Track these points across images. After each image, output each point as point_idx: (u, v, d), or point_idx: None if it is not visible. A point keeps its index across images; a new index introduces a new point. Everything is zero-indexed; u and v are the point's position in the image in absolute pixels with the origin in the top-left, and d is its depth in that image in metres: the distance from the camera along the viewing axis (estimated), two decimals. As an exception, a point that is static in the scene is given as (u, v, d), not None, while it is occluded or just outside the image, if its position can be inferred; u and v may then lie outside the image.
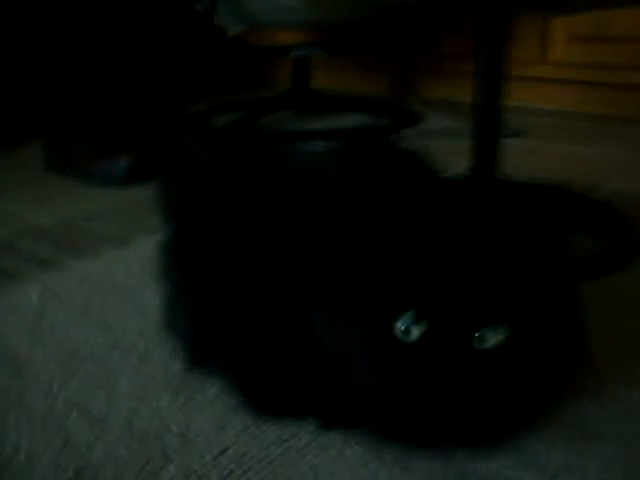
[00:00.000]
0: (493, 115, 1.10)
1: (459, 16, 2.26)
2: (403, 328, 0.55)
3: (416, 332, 0.55)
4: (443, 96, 2.53)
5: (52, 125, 1.66)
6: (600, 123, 2.19)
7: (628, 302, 0.91)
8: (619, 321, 0.85)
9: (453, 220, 0.59)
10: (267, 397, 0.67)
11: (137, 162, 1.53)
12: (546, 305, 0.57)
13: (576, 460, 0.61)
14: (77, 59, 1.59)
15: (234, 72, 2.76)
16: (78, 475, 0.59)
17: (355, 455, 0.62)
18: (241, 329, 0.68)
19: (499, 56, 1.07)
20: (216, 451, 0.62)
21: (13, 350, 0.79)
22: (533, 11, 1.10)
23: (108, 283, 0.97)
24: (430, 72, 2.65)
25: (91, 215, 1.29)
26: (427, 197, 0.64)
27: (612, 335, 0.81)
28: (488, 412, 0.59)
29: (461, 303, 0.54)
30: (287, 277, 0.67)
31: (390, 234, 0.58)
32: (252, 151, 0.82)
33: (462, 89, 2.42)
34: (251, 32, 2.33)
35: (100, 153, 1.55)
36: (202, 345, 0.73)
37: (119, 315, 0.88)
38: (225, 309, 0.69)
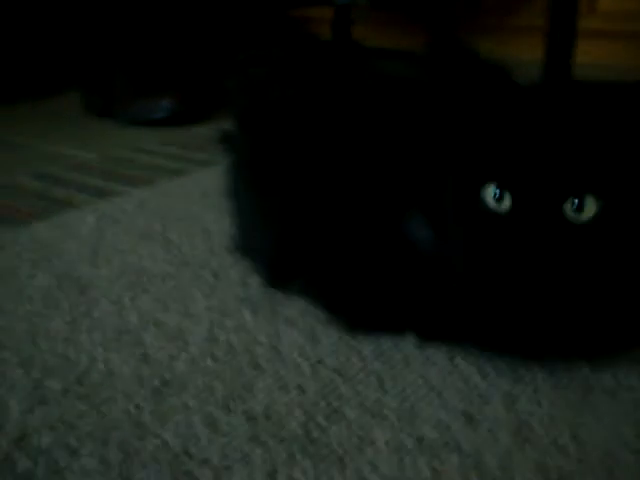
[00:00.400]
0: (565, 69, 1.03)
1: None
2: (493, 196, 0.50)
3: (507, 200, 0.49)
4: (485, 51, 2.45)
5: (91, 67, 1.60)
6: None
7: None
8: None
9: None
10: (361, 311, 0.61)
11: (179, 103, 1.47)
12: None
13: None
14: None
15: (275, 26, 2.70)
16: (165, 384, 0.54)
17: (467, 365, 0.56)
18: (330, 243, 0.62)
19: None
20: (313, 361, 0.57)
21: (77, 270, 0.74)
22: None
23: (168, 208, 0.92)
24: (470, 27, 2.57)
25: (140, 151, 1.24)
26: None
27: None
28: (592, 303, 0.52)
29: (546, 172, 0.48)
30: (378, 184, 0.61)
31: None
32: (336, 57, 0.76)
33: (504, 43, 2.36)
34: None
35: (141, 93, 1.49)
36: (285, 263, 0.67)
37: (184, 236, 0.82)
38: (312, 223, 0.63)
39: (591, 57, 2.32)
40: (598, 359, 0.57)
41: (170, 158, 1.18)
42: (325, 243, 0.62)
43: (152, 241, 0.81)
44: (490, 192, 0.50)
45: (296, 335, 0.61)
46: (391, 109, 0.64)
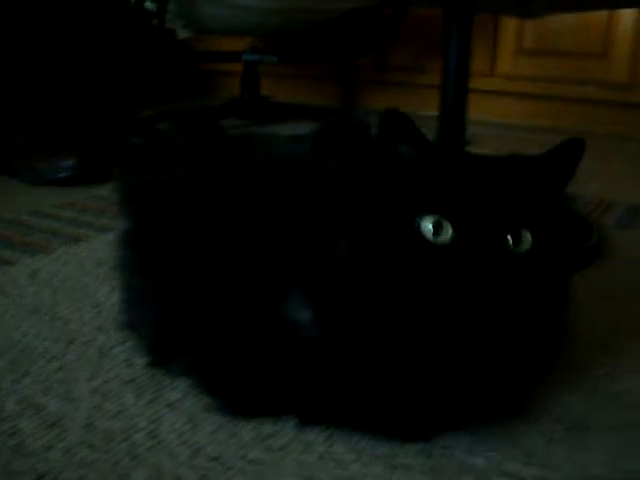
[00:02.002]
0: (459, 127, 1.08)
1: (402, 27, 2.26)
2: (432, 226, 0.52)
3: (449, 231, 0.52)
4: (387, 106, 2.52)
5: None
6: (548, 135, 2.21)
7: (598, 299, 0.90)
8: (590, 316, 0.84)
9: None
10: (241, 395, 0.62)
11: (82, 162, 1.46)
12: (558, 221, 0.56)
13: (574, 453, 0.58)
14: (21, 57, 1.52)
15: (182, 79, 2.71)
16: (38, 478, 0.53)
17: (343, 451, 0.57)
18: (210, 324, 0.62)
19: (467, 58, 1.04)
20: (193, 448, 0.57)
21: (-43, 348, 0.72)
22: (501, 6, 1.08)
23: (60, 279, 0.91)
24: (374, 83, 2.65)
25: (38, 213, 1.22)
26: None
27: (585, 329, 0.80)
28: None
29: (487, 208, 0.52)
30: (259, 265, 0.62)
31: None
32: (225, 138, 0.77)
33: (405, 100, 2.44)
34: (199, 38, 2.28)
35: (43, 152, 1.47)
36: (168, 342, 0.67)
37: (73, 311, 0.81)
38: (193, 303, 0.64)
39: (491, 114, 2.42)
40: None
41: (69, 222, 1.17)
42: (205, 325, 0.62)
43: (40, 316, 0.80)
44: (428, 224, 0.52)
45: (177, 420, 0.60)
46: (275, 192, 0.65)
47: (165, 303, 0.66)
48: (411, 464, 0.56)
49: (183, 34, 2.05)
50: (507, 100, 2.43)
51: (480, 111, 2.41)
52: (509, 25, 2.33)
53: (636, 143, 2.14)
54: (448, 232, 0.52)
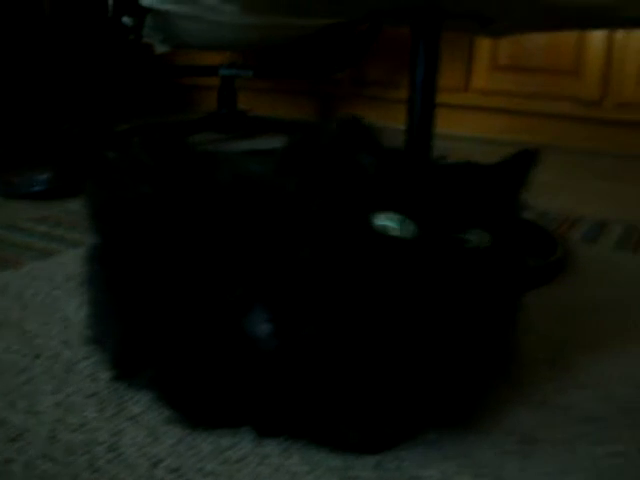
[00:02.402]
0: (426, 138, 1.10)
1: (378, 42, 2.29)
2: (388, 223, 0.55)
3: (410, 226, 0.54)
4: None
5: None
6: (520, 149, 2.24)
7: (554, 313, 0.92)
8: (548, 330, 0.87)
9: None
10: (201, 408, 0.63)
11: (58, 176, 1.47)
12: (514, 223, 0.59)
13: (524, 464, 0.60)
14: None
15: (160, 93, 2.72)
16: (-2, 490, 0.54)
17: (298, 463, 0.59)
18: (171, 340, 0.64)
19: (433, 75, 1.07)
20: (152, 461, 0.58)
21: None
22: (465, 24, 1.11)
23: (29, 294, 0.92)
24: (351, 98, 2.68)
25: (12, 227, 1.23)
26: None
27: (541, 343, 0.83)
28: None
29: (447, 205, 0.55)
30: (219, 280, 0.64)
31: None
32: (192, 155, 0.79)
33: (382, 115, 2.46)
34: (177, 53, 2.30)
35: (18, 166, 1.49)
36: (131, 356, 0.68)
37: (41, 325, 0.83)
38: (155, 319, 0.66)
39: (465, 129, 2.45)
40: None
41: (41, 237, 1.18)
42: (167, 339, 0.64)
43: (8, 330, 0.81)
44: (385, 220, 0.55)
45: (138, 433, 0.62)
46: (236, 211, 0.67)
47: (129, 318, 0.67)
48: (365, 476, 0.58)
49: (161, 49, 2.07)
50: (482, 115, 2.46)
51: (455, 126, 2.44)
52: (484, 42, 2.37)
53: (606, 159, 2.18)
54: (409, 228, 0.54)
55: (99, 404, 0.66)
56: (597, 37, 2.21)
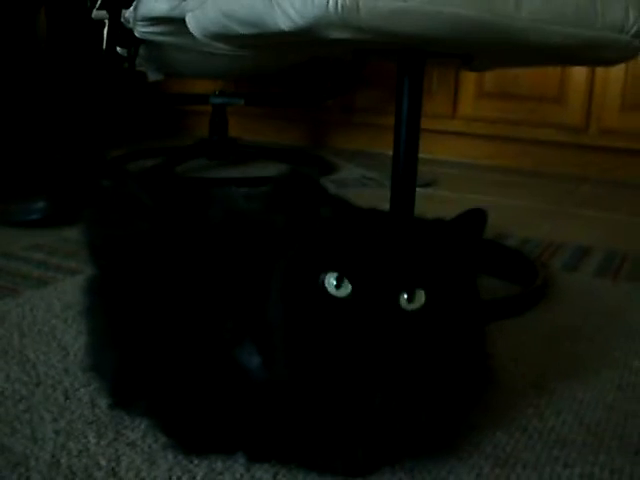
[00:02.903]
0: (411, 165, 1.14)
1: (367, 70, 2.34)
2: (334, 282, 0.58)
3: (348, 287, 0.58)
4: (354, 147, 2.60)
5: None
6: (507, 175, 2.30)
7: (534, 341, 0.97)
8: (527, 357, 0.91)
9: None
10: (195, 435, 0.67)
11: (54, 204, 1.50)
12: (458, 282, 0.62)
13: (500, 487, 0.64)
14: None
15: (153, 119, 2.77)
16: (4, 514, 0.58)
17: (287, 487, 0.62)
18: (167, 369, 0.68)
19: (418, 107, 1.11)
20: (148, 486, 0.62)
21: None
22: (448, 61, 1.16)
23: (28, 322, 0.95)
24: (342, 125, 2.73)
25: (8, 255, 1.26)
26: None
27: (520, 370, 0.87)
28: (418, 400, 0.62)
29: (384, 266, 0.58)
30: (213, 314, 0.68)
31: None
32: (187, 193, 0.83)
33: (372, 141, 2.52)
34: (170, 80, 2.35)
35: (14, 194, 1.52)
36: (127, 385, 0.72)
37: (41, 354, 0.86)
38: (151, 349, 0.69)
39: (453, 155, 2.51)
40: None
41: (38, 265, 1.21)
42: (161, 369, 0.68)
43: (9, 359, 0.84)
44: (331, 279, 0.59)
45: (136, 458, 0.65)
46: (227, 247, 0.71)
47: (125, 348, 0.71)
48: (350, 498, 0.61)
49: (153, 77, 2.11)
50: (468, 141, 2.52)
51: (443, 152, 2.50)
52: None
53: (590, 185, 2.23)
54: (347, 288, 0.58)
55: (98, 430, 0.70)
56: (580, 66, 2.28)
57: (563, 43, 0.92)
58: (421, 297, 0.59)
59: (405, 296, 0.58)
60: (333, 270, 0.59)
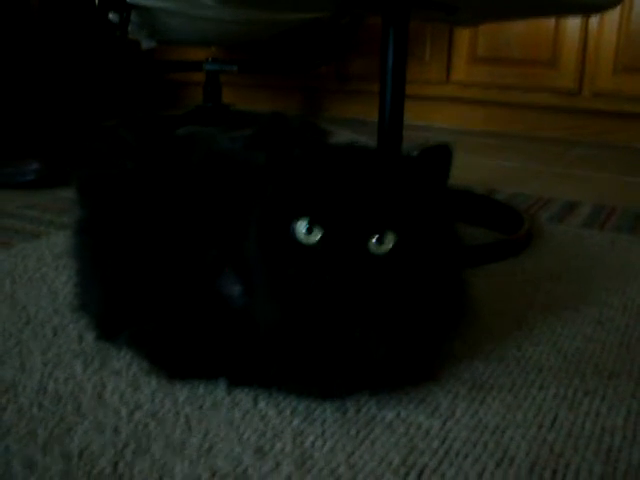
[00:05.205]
0: (396, 129, 1.15)
1: (360, 37, 2.35)
2: (305, 229, 0.59)
3: (318, 234, 0.59)
4: (349, 115, 2.61)
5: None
6: (500, 140, 2.30)
7: (518, 282, 0.98)
8: (508, 297, 0.93)
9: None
10: (177, 360, 0.69)
11: (48, 166, 1.52)
12: (428, 221, 0.62)
13: (473, 407, 0.66)
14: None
15: (147, 89, 2.77)
16: (-9, 432, 0.60)
17: (266, 408, 0.64)
18: (150, 299, 0.70)
19: (403, 58, 1.12)
20: (131, 407, 0.64)
21: None
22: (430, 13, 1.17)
23: (19, 271, 0.97)
24: (336, 93, 2.73)
25: (2, 213, 1.28)
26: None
27: (501, 308, 0.89)
28: (389, 335, 0.63)
29: (353, 211, 0.59)
30: (195, 246, 0.69)
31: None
32: (171, 136, 0.84)
33: (366, 109, 2.53)
34: (164, 49, 2.35)
35: (8, 156, 1.54)
36: (113, 316, 0.74)
37: (31, 297, 0.88)
38: (136, 281, 0.71)
39: (447, 121, 2.51)
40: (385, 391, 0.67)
41: (30, 221, 1.23)
42: (146, 299, 0.69)
43: (-1, 301, 0.86)
44: (302, 226, 0.60)
45: (120, 384, 0.67)
46: (209, 182, 0.73)
47: (111, 282, 0.73)
48: (326, 418, 0.63)
49: (147, 45, 2.12)
50: (462, 107, 2.52)
51: (436, 118, 2.50)
52: (463, 34, 2.43)
53: (582, 148, 2.24)
54: (317, 234, 0.59)
55: (85, 361, 0.72)
56: (573, 28, 2.28)
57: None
58: (391, 239, 0.59)
59: (375, 239, 0.59)
60: (303, 216, 0.60)
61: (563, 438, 0.61)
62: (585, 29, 2.26)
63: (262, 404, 0.65)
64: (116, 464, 0.56)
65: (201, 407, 0.64)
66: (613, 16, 2.20)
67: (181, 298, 0.68)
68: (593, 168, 1.92)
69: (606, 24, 2.23)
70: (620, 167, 1.94)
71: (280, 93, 2.82)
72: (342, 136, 2.21)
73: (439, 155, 0.62)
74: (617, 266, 1.07)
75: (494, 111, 2.47)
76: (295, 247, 0.60)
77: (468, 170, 1.74)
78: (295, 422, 0.62)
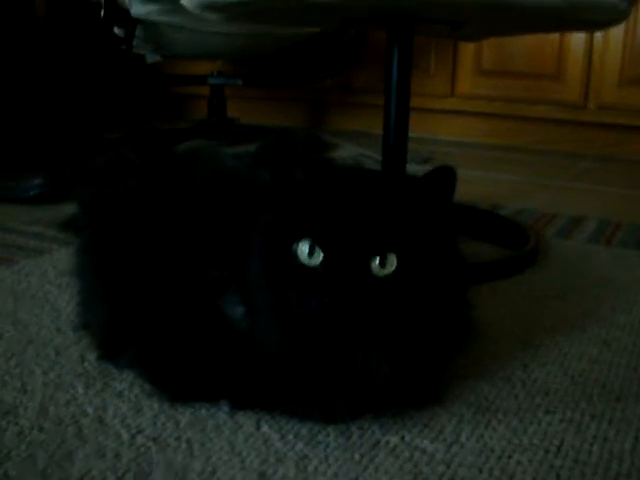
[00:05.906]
0: (401, 142, 1.15)
1: (364, 50, 2.35)
2: (307, 251, 0.59)
3: (320, 255, 0.58)
4: (353, 128, 2.61)
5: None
6: (505, 153, 2.30)
7: (524, 300, 0.98)
8: (514, 315, 0.92)
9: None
10: (179, 383, 0.68)
11: (52, 181, 1.52)
12: (431, 244, 0.62)
13: (479, 431, 0.65)
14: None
15: (152, 103, 2.78)
16: (-9, 456, 0.59)
17: (269, 431, 0.63)
18: (153, 320, 0.69)
19: (408, 74, 1.12)
20: (133, 431, 0.63)
21: None
22: (435, 28, 1.16)
23: (22, 288, 0.97)
24: (340, 106, 2.73)
25: (4, 229, 1.28)
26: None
27: (507, 326, 0.88)
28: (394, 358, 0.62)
29: (355, 233, 0.58)
30: (198, 268, 0.69)
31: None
32: (174, 154, 0.84)
33: (371, 122, 2.52)
34: (169, 63, 2.35)
35: (12, 171, 1.54)
36: (115, 337, 0.73)
37: (34, 315, 0.87)
38: (138, 301, 0.71)
39: (451, 133, 2.51)
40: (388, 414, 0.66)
41: (34, 237, 1.23)
42: (148, 320, 0.69)
43: (1, 320, 0.86)
44: (304, 247, 0.59)
45: (122, 406, 0.67)
46: (212, 201, 0.73)
47: (113, 301, 0.72)
48: (330, 442, 0.62)
49: (151, 59, 2.12)
50: (466, 119, 2.52)
51: (441, 130, 2.50)
52: (468, 47, 2.43)
53: (587, 161, 2.23)
54: (319, 256, 0.59)
55: (87, 382, 0.71)
56: (578, 41, 2.27)
57: (551, 4, 0.93)
58: (393, 261, 0.59)
59: (377, 261, 0.58)
60: (305, 238, 0.59)
61: (570, 464, 0.60)
62: (590, 42, 2.26)
63: (265, 427, 0.64)
64: (117, 490, 0.55)
65: (203, 430, 0.63)
66: (618, 30, 2.19)
67: (183, 319, 0.68)
68: (599, 182, 1.91)
69: (611, 37, 2.23)
70: (626, 180, 1.93)
71: (285, 106, 2.82)
72: (347, 149, 2.21)
73: (443, 177, 0.62)
74: (624, 283, 1.06)
75: (499, 124, 2.46)
76: (297, 269, 0.60)
77: (473, 184, 1.73)
78: (298, 446, 0.62)
